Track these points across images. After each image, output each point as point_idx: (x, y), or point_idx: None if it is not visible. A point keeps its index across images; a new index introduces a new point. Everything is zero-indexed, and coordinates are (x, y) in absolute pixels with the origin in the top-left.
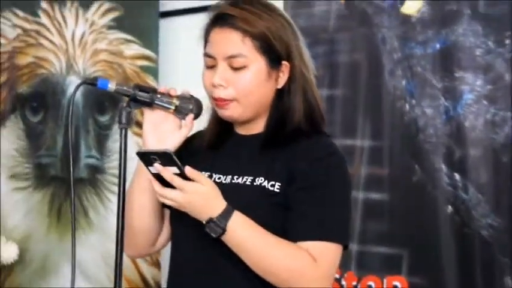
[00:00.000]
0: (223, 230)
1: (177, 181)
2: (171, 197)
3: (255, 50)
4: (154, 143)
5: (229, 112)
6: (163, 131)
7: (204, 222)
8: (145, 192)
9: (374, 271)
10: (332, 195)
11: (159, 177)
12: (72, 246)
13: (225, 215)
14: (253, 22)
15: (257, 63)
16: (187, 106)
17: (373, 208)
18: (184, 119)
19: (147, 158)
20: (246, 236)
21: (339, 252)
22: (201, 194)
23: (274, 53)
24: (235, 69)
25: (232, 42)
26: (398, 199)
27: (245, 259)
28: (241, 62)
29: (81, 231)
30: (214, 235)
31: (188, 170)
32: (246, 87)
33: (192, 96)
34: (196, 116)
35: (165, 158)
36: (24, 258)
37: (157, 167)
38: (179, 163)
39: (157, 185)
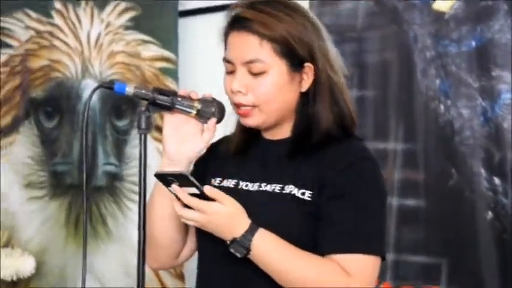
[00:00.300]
0: (248, 250)
1: (194, 203)
2: (190, 217)
3: (274, 53)
4: (174, 147)
5: (252, 121)
6: (185, 135)
7: (227, 242)
8: (167, 202)
9: (411, 281)
10: (365, 204)
11: (179, 198)
12: (82, 258)
13: (249, 234)
14: (271, 25)
15: (277, 67)
16: (210, 110)
17: (409, 215)
18: (206, 123)
19: (164, 178)
20: (271, 253)
21: (375, 265)
22: (221, 214)
23: (295, 55)
24: (255, 74)
25: (250, 46)
26: (434, 205)
27: (273, 276)
28: (260, 67)
29: (100, 241)
30: (239, 255)
31: (207, 190)
32: (266, 93)
33: (214, 99)
34: (219, 120)
35: (182, 178)
36: (41, 271)
37: (174, 189)
38: (197, 183)
39: (177, 206)
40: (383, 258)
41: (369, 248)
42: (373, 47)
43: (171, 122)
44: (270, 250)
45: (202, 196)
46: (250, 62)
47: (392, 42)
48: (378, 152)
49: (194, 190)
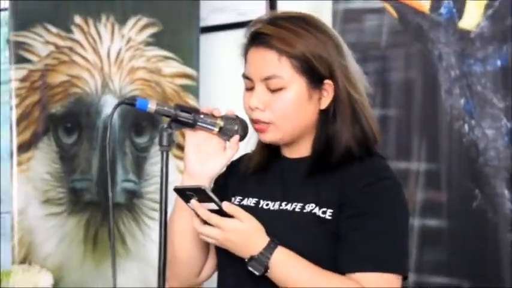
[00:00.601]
0: (266, 268)
1: (213, 219)
2: (209, 234)
3: (293, 70)
4: (196, 165)
5: (268, 137)
6: (207, 153)
7: (246, 260)
8: (187, 218)
9: None
10: (386, 223)
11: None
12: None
13: (267, 252)
14: (290, 40)
15: (296, 84)
16: (232, 127)
17: (431, 236)
18: (229, 140)
19: (184, 194)
20: (290, 271)
21: (395, 284)
22: (240, 232)
23: (314, 72)
24: (273, 91)
25: (268, 62)
26: (457, 226)
27: None
28: (278, 83)
29: (118, 258)
30: (257, 273)
31: (226, 206)
32: (284, 110)
33: (237, 116)
34: (242, 138)
35: (201, 193)
36: (58, 287)
37: (193, 204)
38: (216, 199)
39: (197, 222)
40: (405, 278)
41: (389, 266)
42: (397, 65)
43: (193, 139)
44: (288, 268)
45: (221, 212)
46: (268, 78)
47: (416, 61)
48: (400, 172)
49: (213, 206)
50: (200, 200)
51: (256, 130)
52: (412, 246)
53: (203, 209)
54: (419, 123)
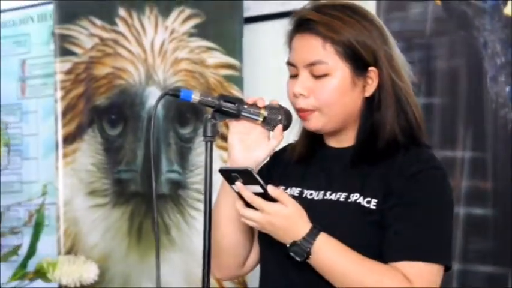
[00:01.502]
0: (308, 254)
1: (257, 202)
2: (251, 217)
3: (337, 56)
4: (240, 155)
5: (312, 123)
6: (251, 142)
7: (287, 245)
8: (232, 204)
9: None
10: (431, 213)
11: (242, 196)
12: (156, 269)
13: (310, 238)
14: (335, 27)
15: (340, 70)
16: (276, 117)
17: (476, 224)
18: (273, 130)
19: (229, 175)
20: (332, 258)
21: (438, 274)
22: (283, 216)
23: (359, 59)
24: (317, 77)
25: (313, 48)
26: (503, 214)
27: (334, 282)
28: (323, 69)
29: (163, 249)
30: (298, 259)
31: (271, 190)
32: (328, 96)
33: (280, 106)
34: (286, 127)
35: (246, 175)
36: (104, 279)
37: (238, 186)
38: (261, 181)
39: (239, 204)
40: (448, 268)
41: (432, 256)
42: (441, 53)
43: (236, 129)
44: (331, 255)
45: (266, 196)
46: (313, 64)
47: (461, 49)
48: (445, 160)
49: (258, 189)
50: (245, 183)
51: (300, 117)
52: (457, 234)
53: (247, 191)
54: (464, 111)
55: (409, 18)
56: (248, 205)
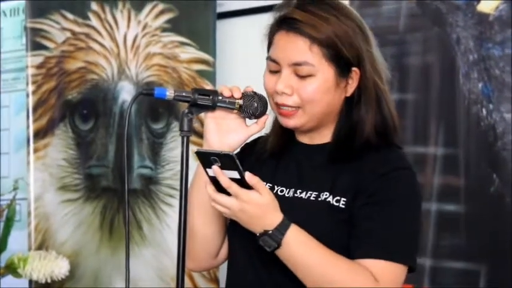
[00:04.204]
0: (278, 245)
1: (233, 188)
2: (224, 203)
3: (322, 58)
4: (216, 139)
5: (293, 122)
6: (227, 126)
7: (257, 234)
8: (205, 194)
9: (449, 287)
10: (398, 213)
11: (215, 181)
12: (126, 261)
13: (281, 229)
14: (321, 28)
15: (325, 71)
16: (252, 104)
17: (448, 220)
18: (249, 117)
19: (206, 158)
20: (302, 251)
21: (402, 274)
22: (257, 205)
23: (343, 60)
24: (301, 76)
25: (299, 49)
26: (474, 211)
27: (301, 276)
28: (308, 70)
29: (135, 245)
30: (268, 249)
31: (248, 177)
32: (312, 96)
33: (255, 93)
34: (262, 114)
35: (226, 160)
36: (75, 274)
37: (215, 170)
38: (241, 168)
39: (211, 189)
40: (412, 269)
41: (398, 256)
42: (414, 49)
43: (213, 114)
44: (301, 247)
45: (241, 183)
46: (298, 64)
47: (434, 45)
48: (417, 156)
49: (234, 175)
50: (222, 167)
51: (281, 114)
52: (429, 231)
53: (224, 176)
54: (437, 107)
55: (382, 14)
56: (220, 190)
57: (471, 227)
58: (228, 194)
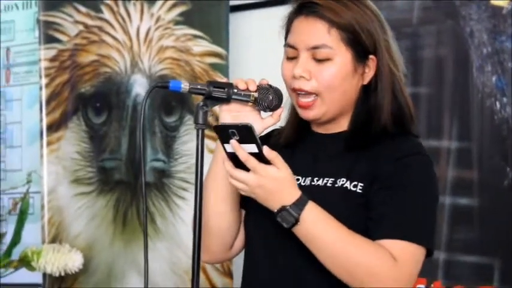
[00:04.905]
0: (296, 220)
1: (251, 162)
2: (242, 178)
3: (341, 41)
4: None
5: (313, 113)
6: (243, 117)
7: (275, 210)
8: (222, 181)
9: (463, 281)
10: (415, 197)
11: (233, 158)
12: (144, 257)
13: (299, 204)
14: (340, 12)
15: (343, 56)
16: (267, 97)
17: (461, 214)
18: (264, 110)
19: (225, 133)
20: (320, 228)
21: (421, 255)
22: (275, 179)
23: (361, 46)
24: (319, 60)
25: (318, 32)
26: (488, 204)
27: (318, 254)
28: (326, 53)
29: (148, 238)
30: (285, 225)
31: (266, 151)
32: (330, 80)
33: (270, 85)
34: (278, 106)
35: (244, 133)
36: (88, 267)
37: (233, 144)
38: (259, 141)
39: (229, 165)
40: (430, 253)
41: (417, 237)
42: (428, 42)
43: (228, 109)
44: (319, 223)
45: (259, 158)
46: (316, 47)
47: (448, 38)
48: (431, 150)
49: (253, 148)
50: (240, 141)
51: (300, 107)
52: (443, 224)
53: (243, 150)
54: (450, 101)
55: (395, 8)
56: (238, 166)
57: (485, 220)
58: (246, 171)
